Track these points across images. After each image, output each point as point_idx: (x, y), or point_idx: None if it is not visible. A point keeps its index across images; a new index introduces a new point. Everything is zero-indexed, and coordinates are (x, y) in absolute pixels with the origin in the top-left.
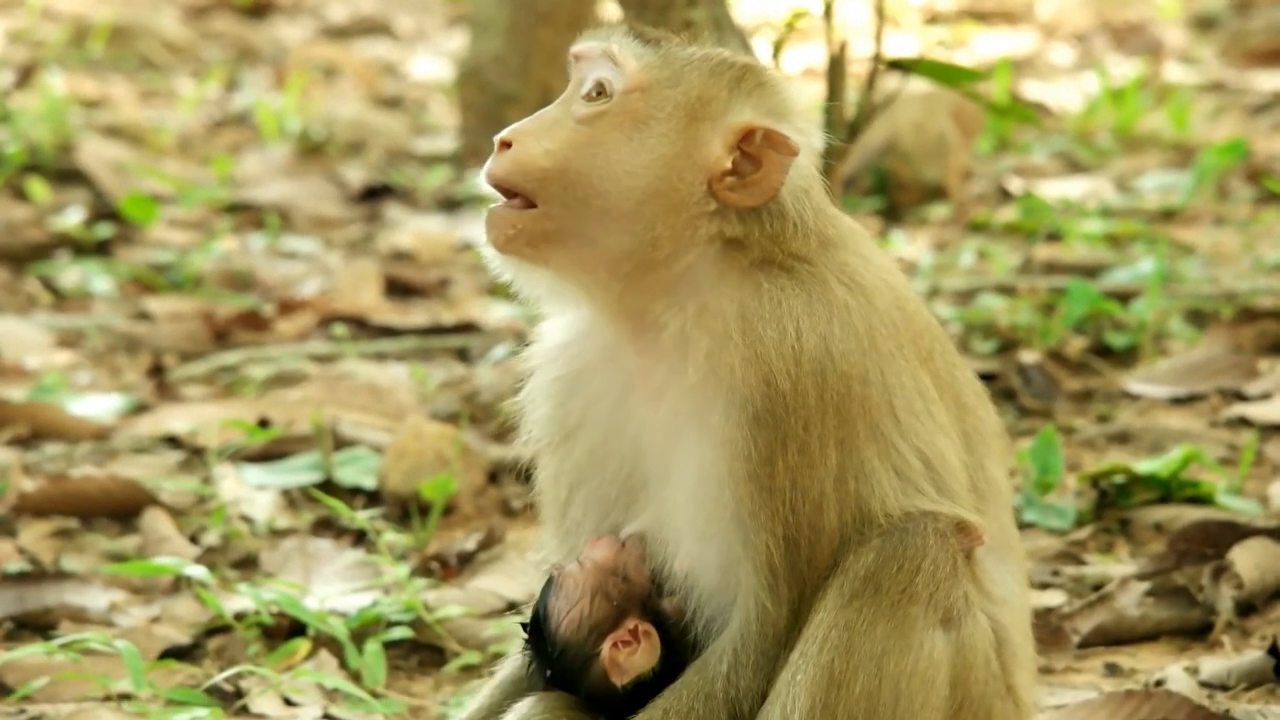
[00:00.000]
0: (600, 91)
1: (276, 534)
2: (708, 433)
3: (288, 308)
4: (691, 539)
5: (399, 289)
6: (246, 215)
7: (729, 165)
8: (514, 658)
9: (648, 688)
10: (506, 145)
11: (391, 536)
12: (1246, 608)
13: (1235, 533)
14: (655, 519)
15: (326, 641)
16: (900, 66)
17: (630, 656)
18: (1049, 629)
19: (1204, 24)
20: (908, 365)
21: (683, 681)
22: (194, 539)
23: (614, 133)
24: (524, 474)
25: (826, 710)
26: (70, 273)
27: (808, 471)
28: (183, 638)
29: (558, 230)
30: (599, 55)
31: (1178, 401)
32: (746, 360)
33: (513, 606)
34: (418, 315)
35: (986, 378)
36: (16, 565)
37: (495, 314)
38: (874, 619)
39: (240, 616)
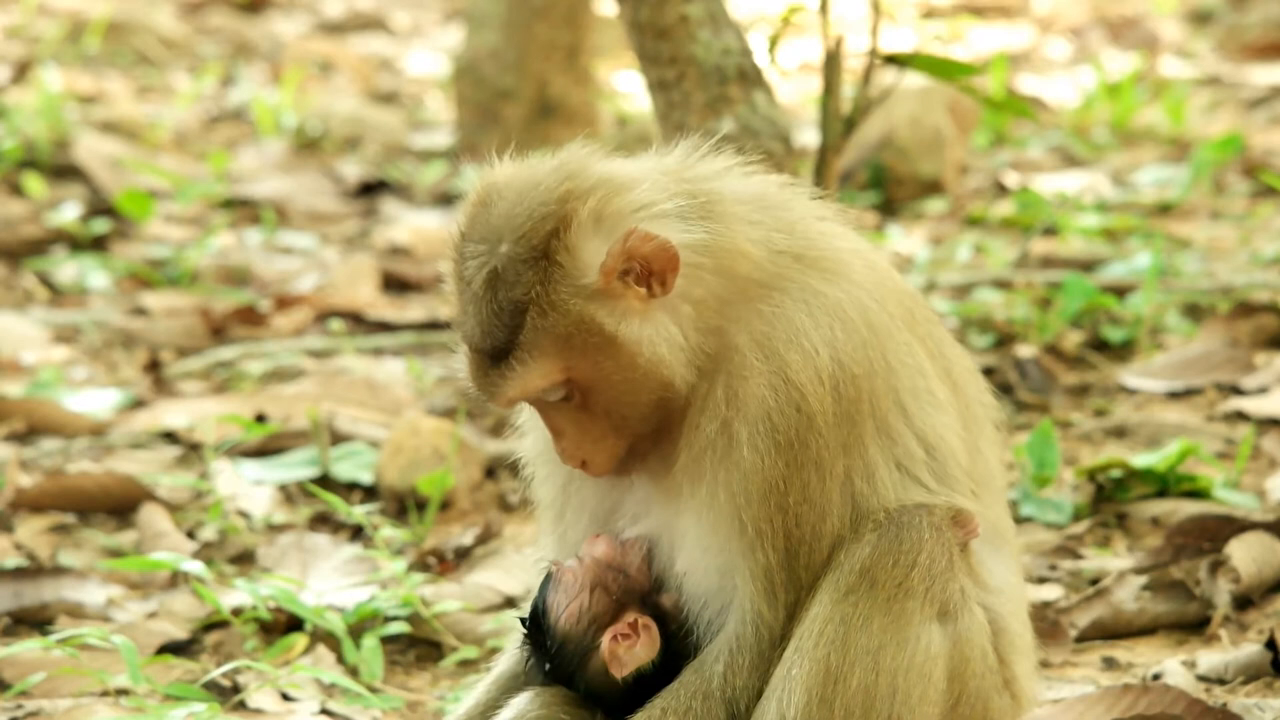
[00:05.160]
0: (560, 397)
1: (274, 529)
2: (730, 465)
3: (284, 303)
4: (693, 547)
5: (396, 284)
6: (243, 211)
7: (640, 290)
8: (510, 653)
9: (647, 683)
10: (584, 466)
11: (388, 531)
12: (1244, 601)
13: (1232, 526)
14: (656, 525)
15: (324, 636)
16: (896, 61)
17: (630, 649)
18: (1046, 623)
19: (1200, 18)
20: (902, 337)
21: (680, 681)
22: (191, 534)
23: (610, 390)
24: (520, 469)
25: (823, 704)
26: (67, 268)
27: (819, 485)
28: (180, 633)
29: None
30: (527, 400)
31: (1174, 396)
32: (775, 389)
33: (510, 601)
34: (414, 310)
35: (983, 372)
36: (14, 561)
37: None
38: (870, 613)
39: (238, 612)
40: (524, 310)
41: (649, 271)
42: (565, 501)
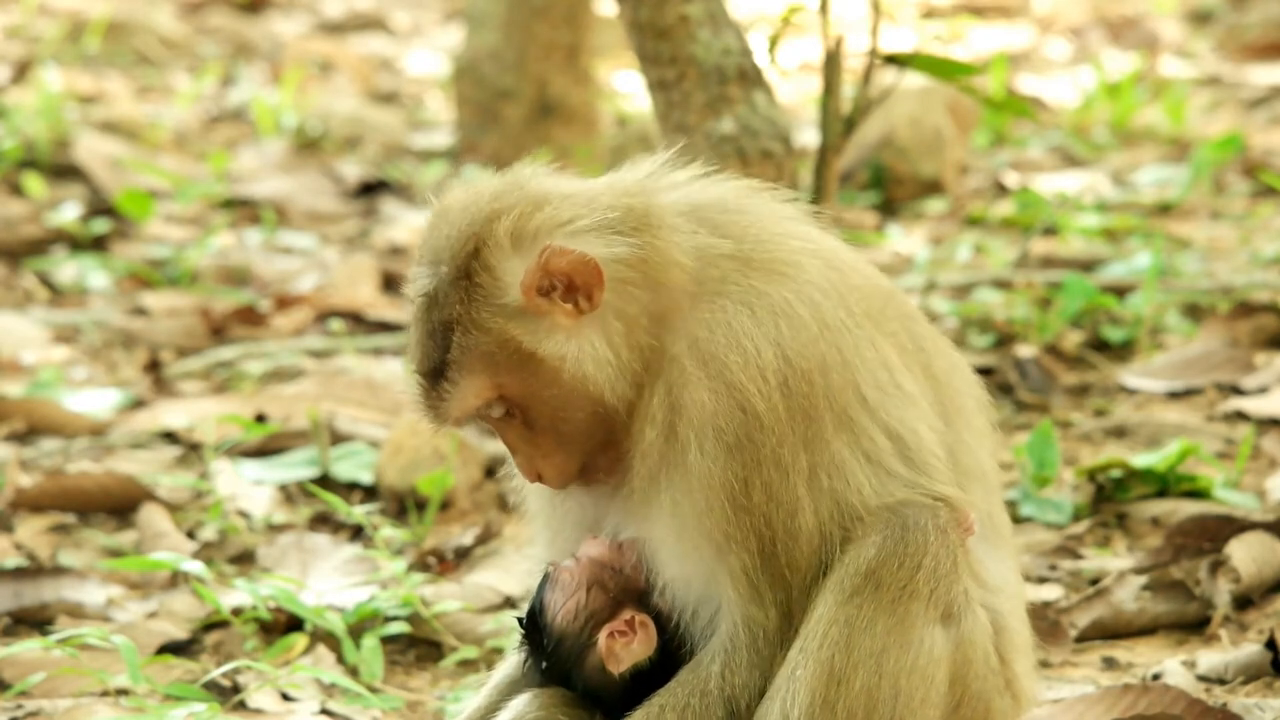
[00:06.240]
0: (501, 414)
1: (274, 529)
2: (684, 472)
3: (284, 303)
4: (669, 556)
5: (395, 284)
6: (243, 210)
7: (566, 306)
8: (511, 659)
9: (645, 680)
10: (540, 479)
11: (388, 531)
12: (1243, 601)
13: (1232, 526)
14: (636, 536)
15: (324, 636)
16: (896, 61)
17: (627, 646)
18: (1046, 623)
19: (1200, 18)
20: (864, 333)
21: (678, 680)
22: (191, 534)
23: (544, 406)
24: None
25: (826, 706)
26: (67, 268)
27: (782, 482)
28: (180, 633)
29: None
30: (468, 419)
31: (1174, 396)
32: (716, 392)
33: (510, 601)
34: None
35: (983, 372)
36: (14, 561)
37: None
38: (874, 615)
39: (238, 612)
40: (451, 330)
41: (573, 287)
42: (552, 512)
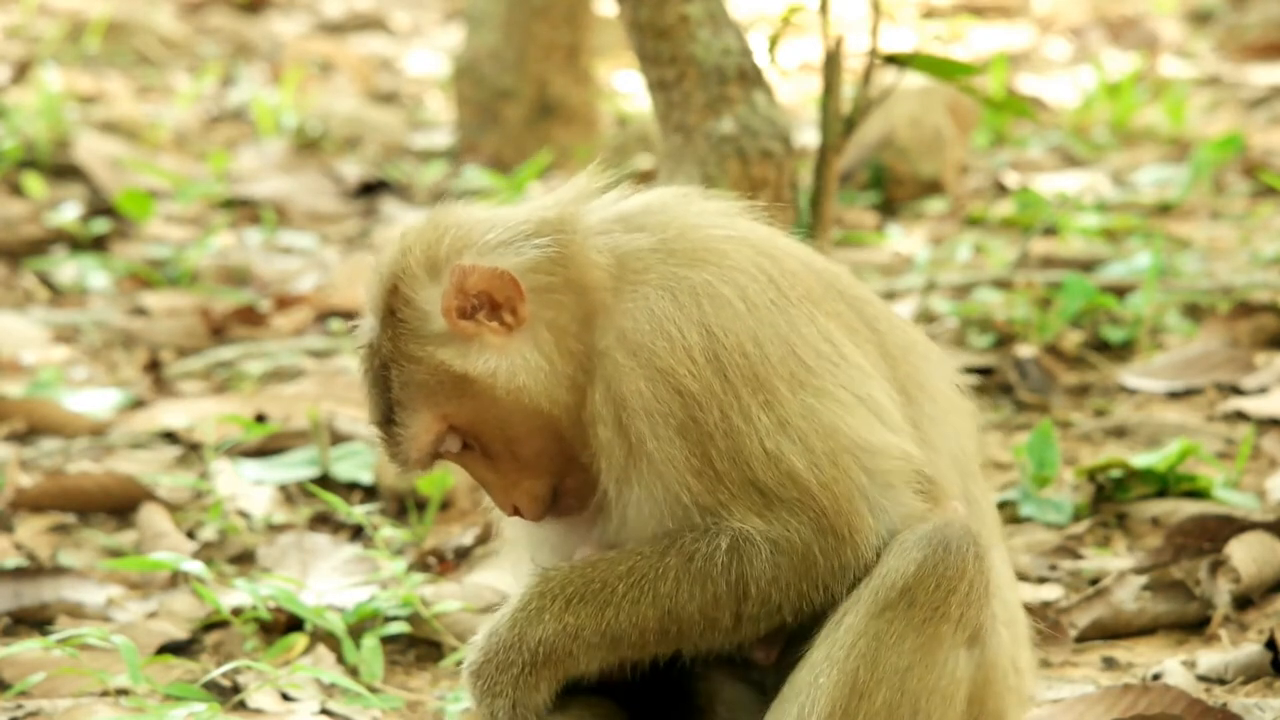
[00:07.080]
0: (459, 447)
1: (274, 529)
2: (648, 461)
3: (284, 303)
4: None
5: None
6: (243, 210)
7: (493, 325)
8: None
9: (649, 670)
10: (517, 511)
11: (388, 531)
12: (1244, 601)
13: (1232, 526)
14: (628, 535)
15: (324, 636)
16: (896, 61)
17: None
18: (1046, 623)
19: (1200, 18)
20: (800, 311)
21: (680, 530)
22: (191, 534)
23: (494, 430)
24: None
25: (846, 717)
26: (67, 268)
27: (742, 445)
28: (180, 633)
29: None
30: (429, 457)
31: (1174, 396)
32: (651, 380)
33: None
34: None
35: (983, 372)
36: (14, 561)
37: None
38: (904, 633)
39: (238, 612)
40: (388, 370)
41: (495, 304)
42: (529, 538)
